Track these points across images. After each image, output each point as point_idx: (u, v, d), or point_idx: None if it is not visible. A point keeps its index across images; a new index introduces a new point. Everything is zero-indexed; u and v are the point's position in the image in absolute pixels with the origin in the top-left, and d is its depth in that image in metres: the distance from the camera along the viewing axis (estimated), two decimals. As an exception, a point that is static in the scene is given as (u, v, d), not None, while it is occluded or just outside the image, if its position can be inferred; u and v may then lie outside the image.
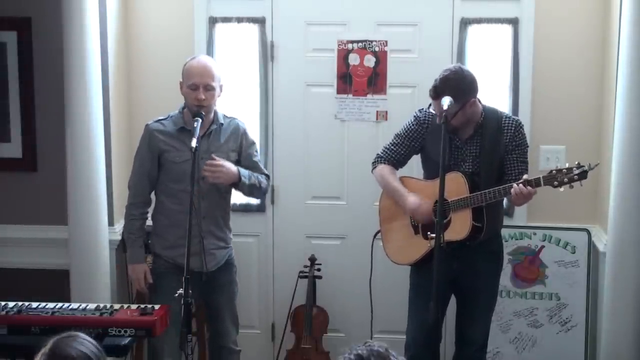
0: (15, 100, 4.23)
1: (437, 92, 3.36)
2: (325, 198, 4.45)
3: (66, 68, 3.82)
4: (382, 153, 3.69)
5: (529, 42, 4.21)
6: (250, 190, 3.63)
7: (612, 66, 3.93)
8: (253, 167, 3.68)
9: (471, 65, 4.25)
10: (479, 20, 4.23)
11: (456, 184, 3.40)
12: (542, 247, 4.24)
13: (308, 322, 4.22)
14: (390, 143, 3.68)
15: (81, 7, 3.78)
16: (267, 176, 3.77)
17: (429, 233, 3.25)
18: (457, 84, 3.36)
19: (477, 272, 3.55)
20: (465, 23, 4.23)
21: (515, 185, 3.28)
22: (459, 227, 3.39)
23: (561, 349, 4.21)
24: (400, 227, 3.62)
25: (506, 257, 4.20)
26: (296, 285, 4.33)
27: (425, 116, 3.58)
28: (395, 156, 3.65)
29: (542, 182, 3.28)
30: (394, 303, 4.09)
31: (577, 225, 4.22)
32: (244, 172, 3.56)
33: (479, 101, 3.49)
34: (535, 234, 4.23)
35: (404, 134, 3.63)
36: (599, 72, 4.19)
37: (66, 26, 3.79)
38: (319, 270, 4.30)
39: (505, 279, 4.22)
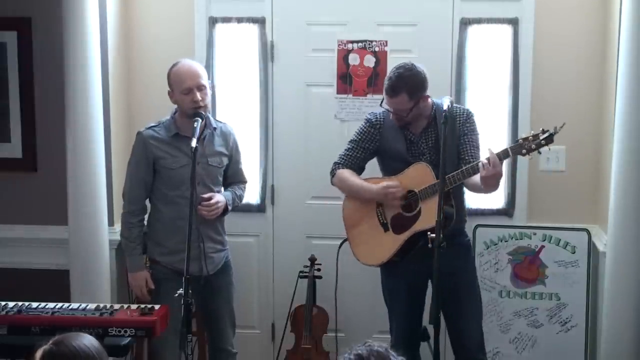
0: (15, 100, 4.24)
1: (394, 90, 3.41)
2: (325, 198, 4.44)
3: (66, 68, 3.82)
4: (339, 160, 3.68)
5: (529, 42, 4.21)
6: (235, 208, 3.76)
7: (612, 66, 3.93)
8: (236, 173, 3.77)
9: (471, 65, 4.26)
10: (479, 20, 4.23)
11: (422, 174, 3.43)
12: (542, 247, 4.23)
13: (308, 322, 4.22)
14: (346, 149, 3.68)
15: (81, 7, 3.78)
16: (245, 181, 3.86)
17: (429, 233, 3.22)
18: (412, 81, 3.42)
19: (452, 270, 3.40)
20: (465, 23, 4.23)
21: (482, 159, 3.27)
22: (430, 214, 3.36)
23: (561, 349, 4.21)
24: (368, 228, 3.61)
25: (506, 257, 4.23)
26: (296, 285, 4.33)
27: (376, 117, 3.62)
28: (353, 161, 3.65)
29: (510, 152, 3.28)
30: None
31: (577, 225, 4.22)
32: (229, 200, 3.65)
33: (429, 96, 3.54)
34: (535, 234, 4.23)
35: (358, 138, 3.64)
36: (599, 72, 4.19)
37: (66, 26, 3.79)
38: (319, 270, 4.30)
39: (505, 279, 4.23)
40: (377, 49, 4.33)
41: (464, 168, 3.37)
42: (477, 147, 3.55)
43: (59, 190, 4.01)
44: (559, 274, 4.22)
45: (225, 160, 3.66)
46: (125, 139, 4.37)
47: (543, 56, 4.22)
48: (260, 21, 4.36)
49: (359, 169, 3.67)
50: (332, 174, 3.69)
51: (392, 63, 4.29)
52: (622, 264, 3.58)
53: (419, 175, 3.44)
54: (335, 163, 3.69)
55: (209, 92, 3.53)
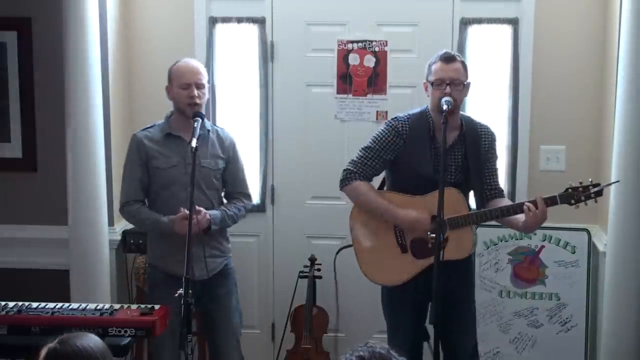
0: (15, 100, 4.23)
1: (451, 56, 3.28)
2: (325, 198, 4.45)
3: (66, 68, 3.82)
4: (353, 168, 3.36)
5: (529, 42, 4.21)
6: (224, 227, 3.58)
7: (612, 66, 3.93)
8: (236, 182, 3.63)
9: (471, 65, 4.24)
10: (479, 20, 4.23)
11: (453, 201, 3.20)
12: (542, 247, 4.24)
13: (308, 322, 4.22)
14: (362, 157, 3.36)
15: (81, 7, 3.78)
16: (249, 195, 3.69)
17: (429, 233, 3.19)
18: (462, 60, 3.35)
19: (450, 288, 3.27)
20: (465, 23, 4.23)
21: (527, 203, 3.15)
22: (458, 246, 3.23)
23: (561, 349, 4.21)
24: (383, 246, 3.36)
25: (506, 257, 4.23)
26: (296, 285, 4.33)
27: (402, 124, 3.32)
28: (369, 171, 3.35)
29: (558, 201, 3.16)
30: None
31: (577, 225, 4.22)
32: (215, 219, 3.46)
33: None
34: (535, 234, 4.22)
35: (377, 146, 3.34)
36: (599, 72, 4.20)
37: (66, 26, 3.79)
38: (318, 270, 4.30)
39: (505, 279, 4.23)
40: (377, 49, 4.33)
41: (504, 206, 3.23)
42: (497, 174, 3.44)
43: (59, 190, 4.00)
44: (559, 274, 4.22)
45: (220, 163, 3.56)
46: (126, 138, 4.34)
47: (543, 56, 4.23)
48: (260, 21, 4.36)
49: (371, 179, 3.41)
50: (345, 182, 3.38)
51: (392, 63, 4.32)
52: (622, 264, 3.58)
53: (449, 201, 3.09)
54: (349, 171, 3.37)
55: (207, 93, 3.50)
